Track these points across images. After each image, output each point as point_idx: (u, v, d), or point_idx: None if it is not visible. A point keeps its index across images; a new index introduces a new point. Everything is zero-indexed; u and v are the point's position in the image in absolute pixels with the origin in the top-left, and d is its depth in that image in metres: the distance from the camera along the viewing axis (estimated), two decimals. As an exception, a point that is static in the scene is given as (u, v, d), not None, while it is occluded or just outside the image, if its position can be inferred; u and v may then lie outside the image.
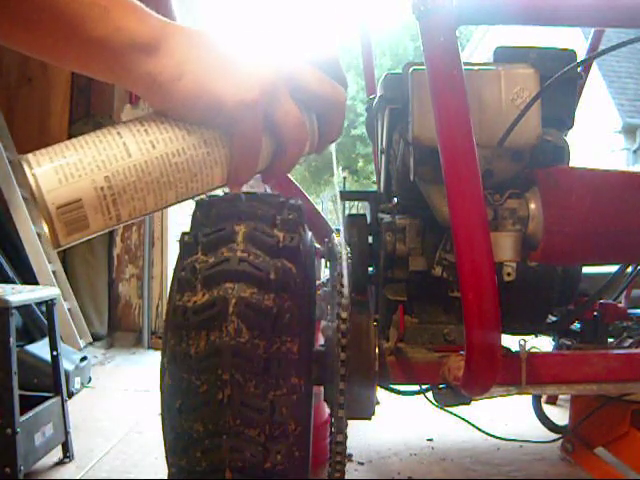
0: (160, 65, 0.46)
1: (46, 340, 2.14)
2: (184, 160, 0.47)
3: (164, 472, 0.99)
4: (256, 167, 0.50)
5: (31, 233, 3.38)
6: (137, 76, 0.47)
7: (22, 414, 1.75)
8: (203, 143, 0.48)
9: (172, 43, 0.47)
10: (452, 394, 1.30)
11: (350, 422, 1.08)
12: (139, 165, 0.45)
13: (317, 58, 0.53)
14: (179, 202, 0.49)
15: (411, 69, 1.18)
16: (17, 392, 1.72)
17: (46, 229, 0.44)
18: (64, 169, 0.44)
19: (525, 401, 2.11)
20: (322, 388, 1.12)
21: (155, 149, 0.46)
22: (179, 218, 4.08)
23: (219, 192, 0.71)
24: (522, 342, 1.19)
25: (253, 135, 0.48)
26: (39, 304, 2.66)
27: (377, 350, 1.28)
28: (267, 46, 0.51)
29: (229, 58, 0.48)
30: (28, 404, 1.86)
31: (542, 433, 2.03)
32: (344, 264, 1.02)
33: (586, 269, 1.61)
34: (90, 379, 3.05)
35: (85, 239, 0.47)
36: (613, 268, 1.57)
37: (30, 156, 0.45)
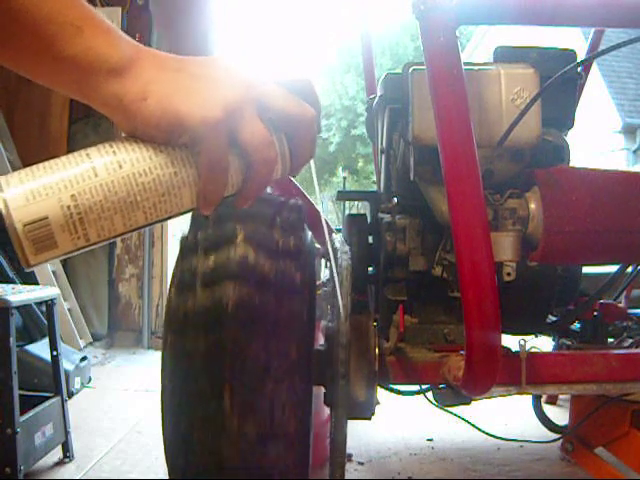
0: (126, 86, 0.47)
1: (46, 340, 2.14)
2: (151, 180, 0.47)
3: (164, 472, 1.00)
4: (224, 188, 0.50)
5: (31, 233, 3.37)
6: (104, 96, 0.47)
7: (22, 414, 1.75)
8: (170, 163, 0.48)
9: (141, 66, 0.48)
10: (452, 394, 1.30)
11: (350, 422, 1.08)
12: (105, 184, 0.46)
13: (289, 79, 0.53)
14: (150, 224, 0.49)
15: (411, 69, 1.18)
16: (17, 392, 1.71)
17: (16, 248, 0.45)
18: (32, 188, 0.45)
19: (525, 401, 2.11)
20: (322, 388, 1.12)
21: (122, 169, 0.47)
22: (179, 218, 4.08)
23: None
24: (522, 342, 1.19)
25: (218, 154, 0.48)
26: (39, 304, 2.66)
27: (377, 350, 1.28)
28: (236, 66, 0.51)
29: (196, 79, 0.49)
30: (28, 404, 1.85)
31: (542, 433, 2.03)
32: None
33: (586, 269, 1.61)
34: (90, 379, 3.05)
35: (57, 259, 0.47)
36: (613, 268, 1.57)
37: (2, 178, 0.46)
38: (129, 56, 0.48)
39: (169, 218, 0.50)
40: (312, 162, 0.62)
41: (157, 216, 0.49)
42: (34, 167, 0.47)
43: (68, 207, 0.45)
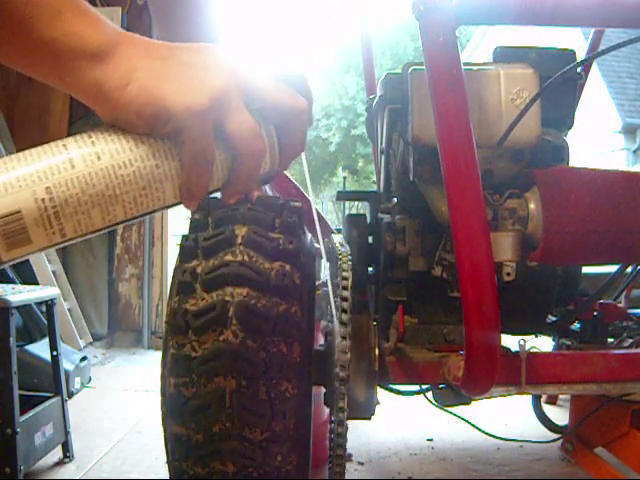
0: (108, 73, 0.45)
1: (46, 340, 2.14)
2: (130, 172, 0.45)
3: (164, 472, 1.00)
4: (209, 181, 0.48)
5: (31, 233, 3.37)
6: (84, 83, 0.45)
7: (22, 414, 1.75)
8: (152, 155, 0.46)
9: (123, 51, 0.46)
10: (452, 394, 1.30)
11: (350, 422, 1.08)
12: (82, 177, 0.44)
13: (281, 70, 0.52)
14: (129, 219, 0.47)
15: (411, 69, 1.19)
16: (17, 392, 1.72)
17: None
18: (4, 180, 0.42)
19: (525, 401, 2.11)
20: (322, 388, 1.12)
21: (100, 160, 0.45)
22: (179, 218, 4.08)
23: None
24: (522, 342, 1.19)
25: (202, 144, 0.46)
26: (39, 304, 2.66)
27: (377, 350, 1.28)
28: (226, 54, 0.49)
29: (182, 66, 0.47)
30: (28, 404, 1.86)
31: (542, 433, 2.03)
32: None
33: (586, 269, 1.61)
34: (90, 379, 3.05)
35: (31, 254, 0.44)
36: (613, 268, 1.57)
37: None
38: (111, 41, 0.46)
39: (151, 213, 0.48)
40: (304, 157, 0.60)
41: (138, 210, 0.46)
42: (8, 158, 0.44)
43: (42, 200, 0.42)
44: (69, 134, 0.46)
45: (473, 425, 1.76)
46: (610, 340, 1.65)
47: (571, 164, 1.37)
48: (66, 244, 0.46)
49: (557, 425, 2.02)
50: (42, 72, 0.46)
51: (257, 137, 0.48)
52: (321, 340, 1.43)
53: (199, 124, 0.45)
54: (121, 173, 0.45)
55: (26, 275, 3.29)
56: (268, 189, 1.12)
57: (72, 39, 0.44)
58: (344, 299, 1.04)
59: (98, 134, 0.46)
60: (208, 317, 0.91)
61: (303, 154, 0.56)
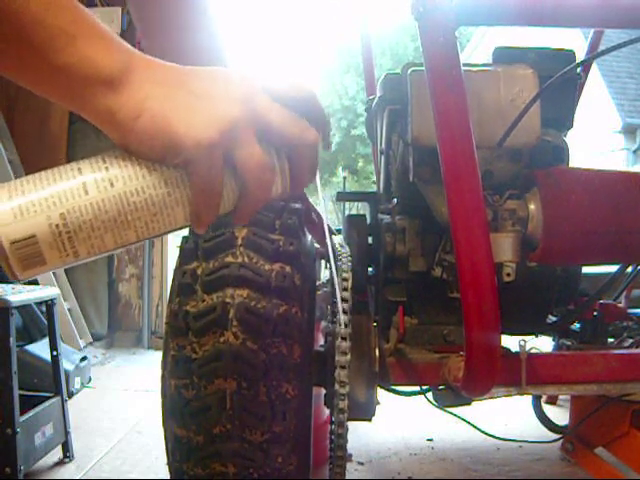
0: (120, 101, 0.45)
1: (46, 340, 2.14)
2: (142, 199, 0.46)
3: (164, 472, 1.00)
4: (218, 209, 0.49)
5: (31, 233, 3.37)
6: (97, 110, 0.46)
7: (22, 414, 1.75)
8: (164, 183, 0.47)
9: (137, 78, 0.46)
10: (452, 395, 1.30)
11: (350, 422, 1.08)
12: (95, 204, 0.45)
13: (291, 94, 0.52)
14: (142, 241, 0.48)
15: (410, 69, 1.19)
16: (17, 392, 1.72)
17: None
18: (20, 204, 0.44)
19: (525, 401, 2.11)
20: (322, 389, 1.12)
21: (113, 187, 0.46)
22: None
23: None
24: (522, 342, 1.19)
25: (211, 177, 0.47)
26: (39, 304, 2.66)
27: (377, 351, 1.28)
28: (237, 82, 0.49)
29: (192, 96, 0.47)
30: (28, 404, 1.86)
31: (542, 433, 2.03)
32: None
33: (586, 269, 1.61)
34: (90, 379, 3.05)
35: (46, 272, 0.46)
36: (613, 268, 1.57)
37: None
38: (124, 66, 0.46)
39: (163, 234, 0.49)
40: (318, 181, 0.61)
41: (150, 233, 0.48)
42: (24, 180, 0.46)
43: (57, 226, 0.44)
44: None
45: (473, 425, 1.76)
46: (610, 340, 1.65)
47: (571, 164, 1.37)
48: (81, 263, 0.47)
49: (557, 425, 2.02)
50: (56, 95, 0.47)
51: (266, 170, 0.49)
52: (321, 341, 1.43)
53: (208, 158, 0.46)
54: (133, 200, 0.46)
55: (26, 275, 3.29)
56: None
57: (86, 65, 0.44)
58: (344, 300, 1.04)
59: (112, 159, 0.47)
60: (208, 319, 0.91)
61: (318, 177, 0.57)
